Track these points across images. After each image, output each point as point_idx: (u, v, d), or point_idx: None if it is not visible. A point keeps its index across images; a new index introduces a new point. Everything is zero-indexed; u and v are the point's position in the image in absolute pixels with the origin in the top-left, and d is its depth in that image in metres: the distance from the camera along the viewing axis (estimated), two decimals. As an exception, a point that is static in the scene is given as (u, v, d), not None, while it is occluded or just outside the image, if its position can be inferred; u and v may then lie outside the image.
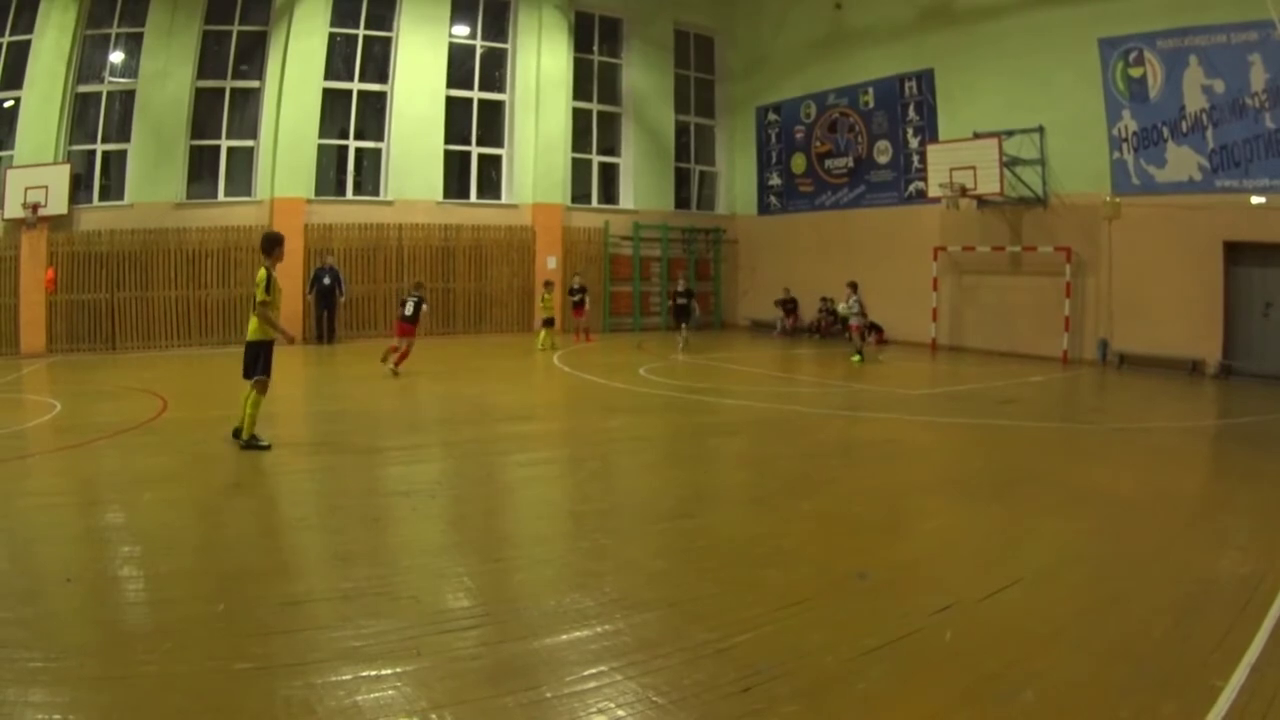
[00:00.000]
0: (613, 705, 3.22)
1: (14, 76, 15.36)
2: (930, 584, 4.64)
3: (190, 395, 11.07)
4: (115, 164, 16.41)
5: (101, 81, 16.29)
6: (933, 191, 16.50)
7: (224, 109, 17.12)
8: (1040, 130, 15.61)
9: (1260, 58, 12.65)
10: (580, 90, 20.77)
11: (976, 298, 17.23)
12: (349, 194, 18.37)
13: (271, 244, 7.71)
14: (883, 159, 19.02)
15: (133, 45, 16.32)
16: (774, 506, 6.30)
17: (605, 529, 5.63)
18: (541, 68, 19.65)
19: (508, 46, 19.86)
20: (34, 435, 8.48)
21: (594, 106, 21.18)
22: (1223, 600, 4.32)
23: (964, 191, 15.79)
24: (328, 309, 17.00)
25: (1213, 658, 3.60)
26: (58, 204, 15.04)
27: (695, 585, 4.55)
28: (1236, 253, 13.44)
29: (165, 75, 16.21)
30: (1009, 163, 15.59)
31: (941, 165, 16.29)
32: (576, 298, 18.29)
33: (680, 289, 17.00)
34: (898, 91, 18.48)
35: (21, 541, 5.22)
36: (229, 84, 17.12)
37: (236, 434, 7.72)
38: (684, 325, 16.71)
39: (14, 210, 14.78)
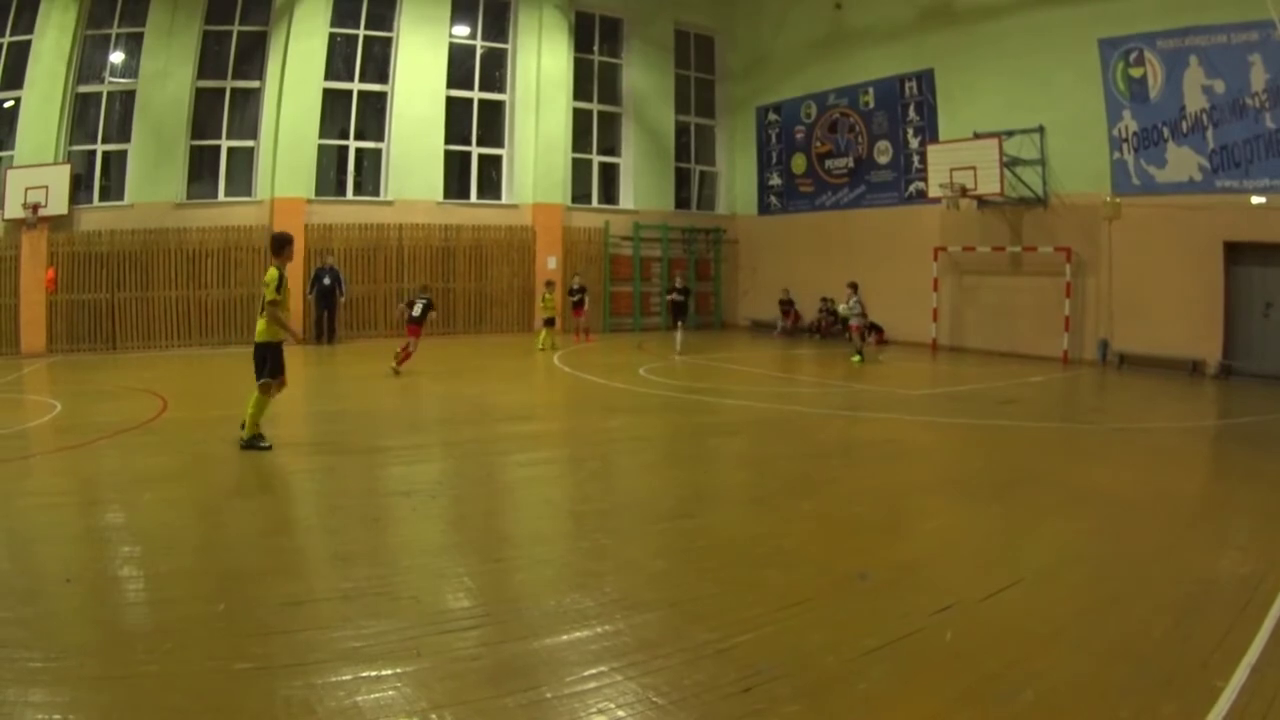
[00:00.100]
0: (613, 706, 3.22)
1: (14, 76, 15.37)
2: (931, 584, 4.64)
3: (190, 395, 11.08)
4: (115, 164, 16.41)
5: (102, 81, 16.29)
6: (933, 192, 16.49)
7: (224, 109, 17.12)
8: (1040, 130, 15.61)
9: (1260, 58, 12.64)
10: (580, 90, 20.77)
11: (977, 298, 17.23)
12: (349, 194, 18.37)
13: (281, 244, 7.74)
14: (883, 159, 19.02)
15: (133, 45, 16.32)
16: (774, 507, 6.30)
17: (605, 529, 5.63)
18: (542, 68, 19.66)
19: (508, 47, 19.86)
20: (34, 435, 8.49)
21: (594, 106, 21.17)
22: (1223, 600, 4.32)
23: (964, 192, 15.78)
24: (328, 309, 17.01)
25: (1213, 658, 3.60)
26: (58, 204, 15.04)
27: (695, 585, 4.55)
28: (1237, 253, 13.43)
29: (165, 75, 16.21)
30: (1009, 163, 15.58)
31: (942, 165, 16.28)
32: (576, 298, 18.30)
33: (678, 284, 16.80)
34: (898, 91, 18.48)
35: (21, 541, 5.22)
36: (229, 84, 17.11)
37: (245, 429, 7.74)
38: (680, 323, 16.57)
39: (14, 210, 14.78)
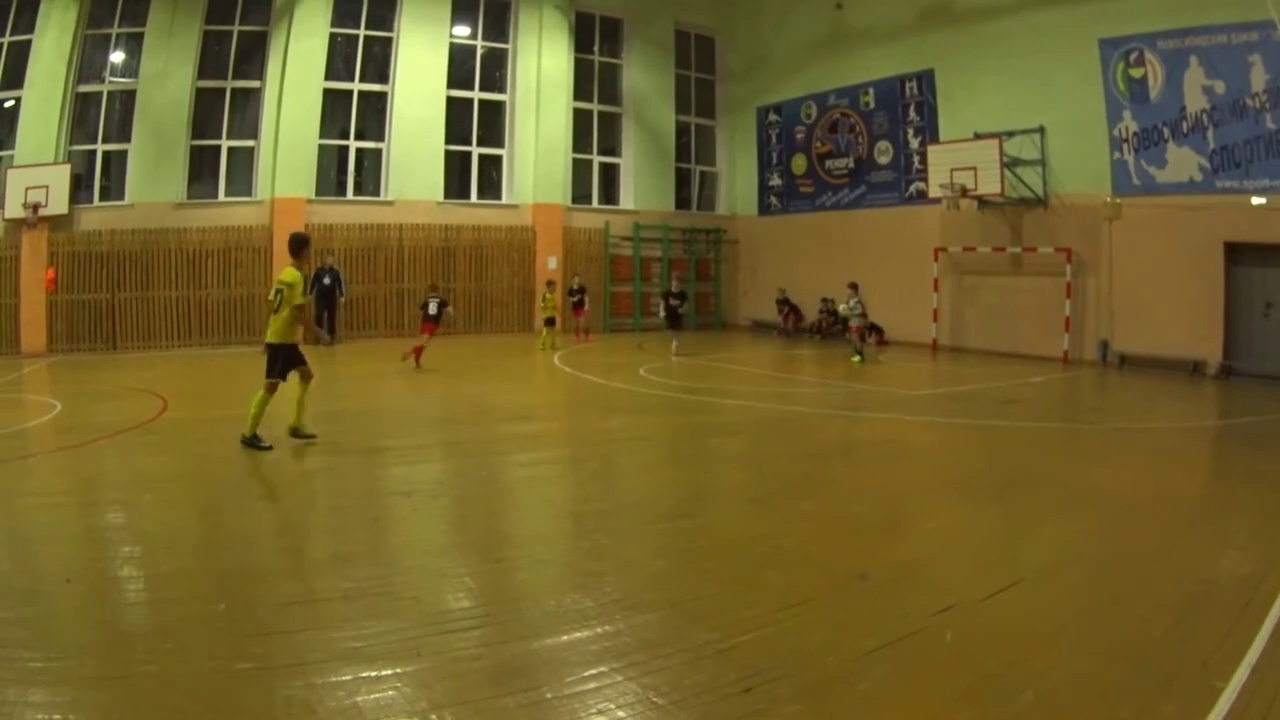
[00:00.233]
0: (613, 706, 3.22)
1: (14, 76, 15.37)
2: (931, 584, 4.64)
3: (191, 395, 11.08)
4: (116, 164, 16.41)
5: (102, 81, 16.29)
6: (933, 192, 16.49)
7: (224, 109, 17.12)
8: (1041, 130, 15.61)
9: (1260, 58, 12.64)
10: (581, 90, 20.77)
11: (977, 298, 17.22)
12: (349, 194, 18.37)
13: (300, 244, 7.78)
14: (883, 159, 19.02)
15: (133, 45, 16.33)
16: (775, 507, 6.30)
17: (606, 529, 5.63)
18: (542, 68, 19.66)
19: (508, 47, 19.86)
20: (35, 435, 8.49)
21: (594, 107, 21.17)
22: (1223, 600, 4.31)
23: (964, 192, 15.77)
24: (328, 309, 16.99)
25: (1213, 658, 3.60)
26: (58, 204, 15.05)
27: (696, 585, 4.55)
28: (1237, 253, 13.43)
29: (166, 75, 16.22)
30: (1009, 163, 15.58)
31: (942, 166, 16.27)
32: (576, 298, 18.30)
33: (675, 290, 16.51)
34: (898, 92, 18.48)
35: (21, 541, 5.22)
36: (229, 84, 17.12)
37: (294, 432, 7.79)
38: (676, 332, 16.20)
39: (14, 210, 14.79)
